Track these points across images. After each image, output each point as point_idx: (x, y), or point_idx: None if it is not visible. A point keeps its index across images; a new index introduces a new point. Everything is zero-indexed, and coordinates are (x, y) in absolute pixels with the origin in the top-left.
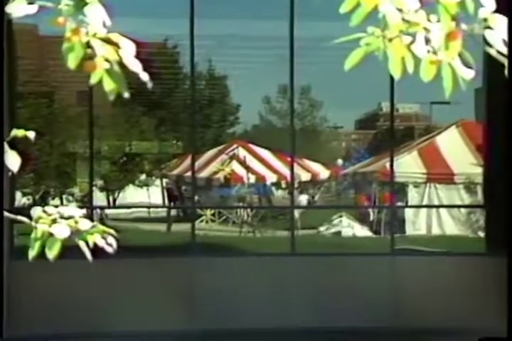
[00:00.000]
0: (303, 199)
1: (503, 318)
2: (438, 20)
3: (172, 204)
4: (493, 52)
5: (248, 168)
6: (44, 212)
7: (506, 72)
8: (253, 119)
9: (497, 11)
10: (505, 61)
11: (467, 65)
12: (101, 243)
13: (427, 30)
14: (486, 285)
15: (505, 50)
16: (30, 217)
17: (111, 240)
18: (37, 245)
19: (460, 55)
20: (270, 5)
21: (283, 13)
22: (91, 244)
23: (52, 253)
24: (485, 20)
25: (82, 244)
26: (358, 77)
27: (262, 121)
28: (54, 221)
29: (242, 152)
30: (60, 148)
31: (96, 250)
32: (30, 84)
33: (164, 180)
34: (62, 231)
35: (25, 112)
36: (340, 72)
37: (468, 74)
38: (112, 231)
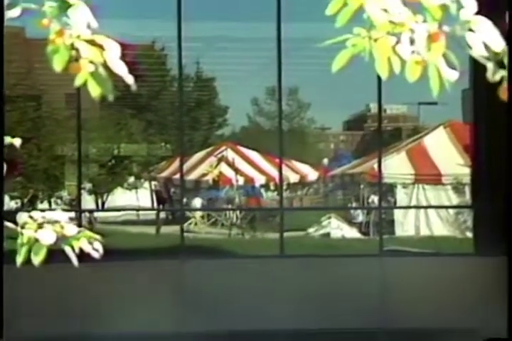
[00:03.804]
0: (197, 202)
1: (492, 318)
2: (424, 21)
3: (161, 206)
4: (474, 54)
5: (237, 170)
6: (30, 217)
7: (488, 74)
8: (241, 121)
9: (480, 12)
10: (486, 63)
11: (451, 66)
12: (87, 248)
13: (412, 30)
14: (475, 286)
15: (485, 52)
16: (16, 222)
17: (97, 245)
18: (23, 251)
19: (444, 56)
20: (257, 7)
21: (270, 15)
22: (77, 250)
23: (37, 259)
24: (467, 22)
25: (68, 249)
26: (345, 78)
27: (250, 123)
28: (40, 226)
29: (230, 154)
30: (48, 151)
31: (83, 254)
32: (18, 87)
33: (153, 183)
34: (47, 236)
35: (13, 115)
36: (328, 73)
37: (452, 75)
38: (98, 236)
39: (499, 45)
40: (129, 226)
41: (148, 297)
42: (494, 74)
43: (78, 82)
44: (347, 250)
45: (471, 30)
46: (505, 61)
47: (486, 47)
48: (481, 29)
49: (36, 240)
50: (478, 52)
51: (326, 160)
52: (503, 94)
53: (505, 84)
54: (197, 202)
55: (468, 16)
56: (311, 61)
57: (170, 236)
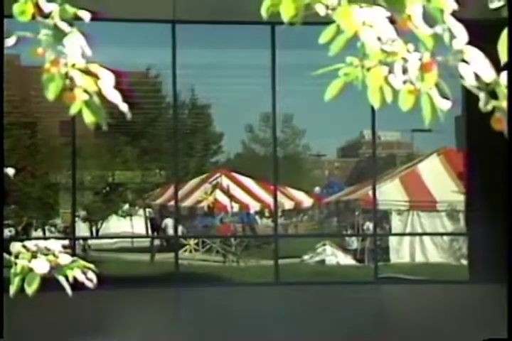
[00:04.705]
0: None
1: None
2: (415, 50)
3: (155, 233)
4: (466, 84)
5: (231, 197)
6: (23, 246)
7: (481, 104)
8: (236, 148)
9: (470, 42)
10: (478, 93)
11: (444, 96)
12: (81, 278)
13: (404, 59)
14: (470, 312)
15: (476, 83)
16: (9, 252)
17: (91, 275)
18: (17, 280)
19: (437, 86)
20: (252, 34)
21: (265, 42)
22: (71, 279)
23: (31, 289)
24: (460, 52)
25: (61, 278)
26: (340, 105)
27: (245, 150)
28: (34, 255)
29: (225, 181)
30: (42, 178)
31: (77, 282)
32: (12, 114)
33: (147, 210)
34: (41, 266)
35: (7, 143)
36: (323, 100)
37: (444, 104)
38: (91, 265)
39: (490, 75)
40: (124, 253)
41: (143, 324)
42: (486, 104)
43: (73, 110)
44: (342, 277)
45: (463, 60)
46: (497, 91)
47: (478, 77)
48: (473, 59)
49: (30, 269)
50: (470, 82)
51: (318, 188)
52: (495, 124)
53: (497, 114)
54: (188, 229)
55: (460, 46)
56: (306, 88)
57: (164, 264)
